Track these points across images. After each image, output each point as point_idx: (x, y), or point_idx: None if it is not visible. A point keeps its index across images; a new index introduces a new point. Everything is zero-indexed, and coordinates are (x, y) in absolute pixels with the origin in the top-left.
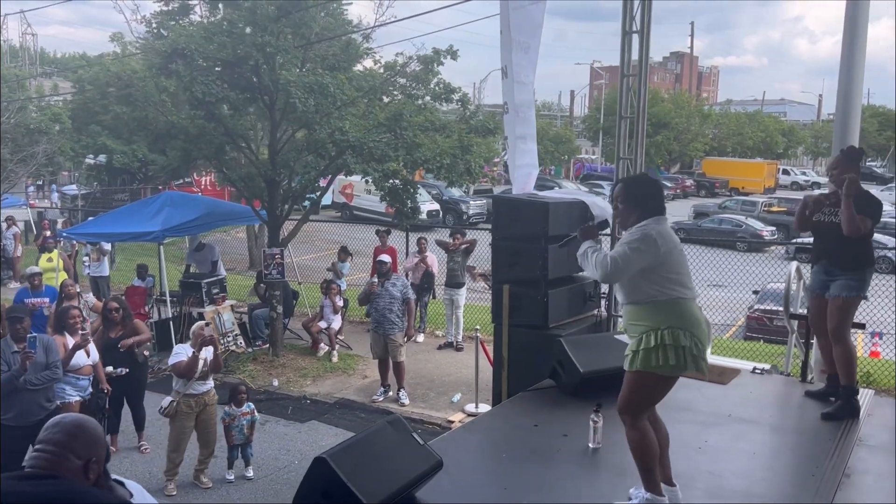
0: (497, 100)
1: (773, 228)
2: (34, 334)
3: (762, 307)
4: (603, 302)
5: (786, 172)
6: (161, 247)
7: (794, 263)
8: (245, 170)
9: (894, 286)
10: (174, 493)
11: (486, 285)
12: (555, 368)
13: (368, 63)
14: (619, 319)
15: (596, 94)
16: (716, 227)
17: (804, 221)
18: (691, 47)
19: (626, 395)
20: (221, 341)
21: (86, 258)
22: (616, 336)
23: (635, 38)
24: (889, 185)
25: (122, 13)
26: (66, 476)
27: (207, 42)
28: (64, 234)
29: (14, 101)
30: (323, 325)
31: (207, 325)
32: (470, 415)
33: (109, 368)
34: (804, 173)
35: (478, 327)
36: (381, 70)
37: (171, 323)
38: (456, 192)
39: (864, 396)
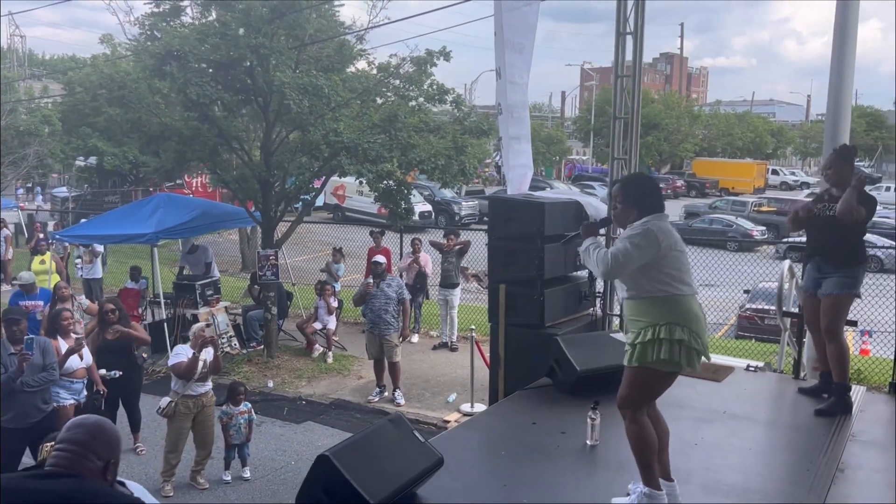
0: (488, 101)
1: (764, 228)
2: (31, 336)
3: (753, 306)
4: (598, 301)
5: (775, 172)
6: (154, 249)
7: (787, 262)
8: (239, 171)
9: (889, 285)
10: (171, 494)
11: (478, 286)
12: (552, 367)
13: (362, 64)
14: (615, 318)
15: (586, 95)
16: (706, 227)
17: (797, 222)
18: (681, 48)
19: (626, 389)
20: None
21: (78, 260)
22: (612, 335)
23: (629, 39)
24: (877, 184)
25: (116, 15)
26: (86, 476)
27: (201, 44)
28: (56, 237)
29: (4, 103)
30: (317, 326)
31: (208, 325)
32: (465, 414)
33: (103, 371)
34: (793, 173)
35: (473, 327)
36: (375, 71)
37: (164, 325)
38: (448, 193)
39: (857, 393)
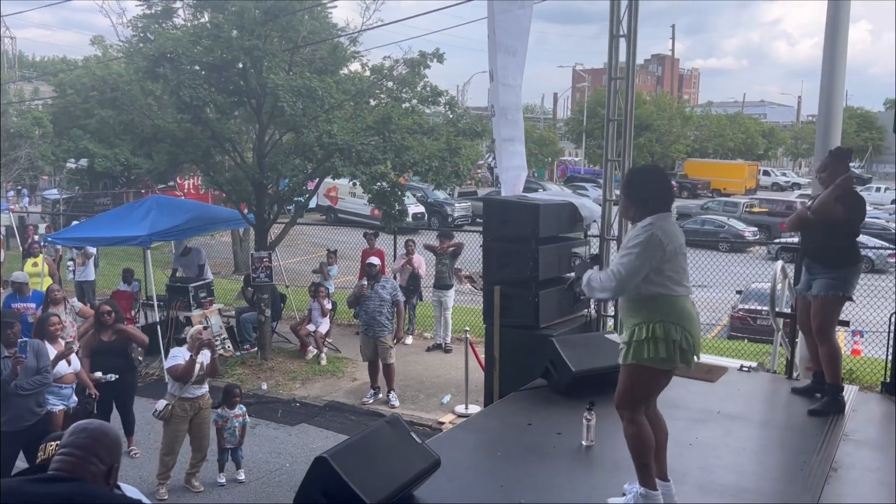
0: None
1: (755, 229)
2: (24, 339)
3: (746, 307)
4: (592, 302)
5: (766, 173)
6: (147, 251)
7: (780, 263)
8: (232, 173)
9: (880, 285)
10: (166, 496)
11: (472, 287)
12: (547, 368)
13: (356, 66)
14: (609, 319)
15: (578, 96)
16: (698, 228)
17: (797, 223)
18: (672, 50)
19: (622, 388)
20: None
21: (70, 263)
22: (606, 335)
23: (622, 42)
24: (867, 185)
25: (108, 17)
26: (89, 480)
27: (194, 45)
28: (49, 239)
29: None
30: (311, 328)
31: (206, 328)
32: (460, 416)
33: (99, 374)
34: (784, 174)
35: (467, 329)
36: (368, 73)
37: (157, 327)
38: (441, 195)
39: (849, 393)
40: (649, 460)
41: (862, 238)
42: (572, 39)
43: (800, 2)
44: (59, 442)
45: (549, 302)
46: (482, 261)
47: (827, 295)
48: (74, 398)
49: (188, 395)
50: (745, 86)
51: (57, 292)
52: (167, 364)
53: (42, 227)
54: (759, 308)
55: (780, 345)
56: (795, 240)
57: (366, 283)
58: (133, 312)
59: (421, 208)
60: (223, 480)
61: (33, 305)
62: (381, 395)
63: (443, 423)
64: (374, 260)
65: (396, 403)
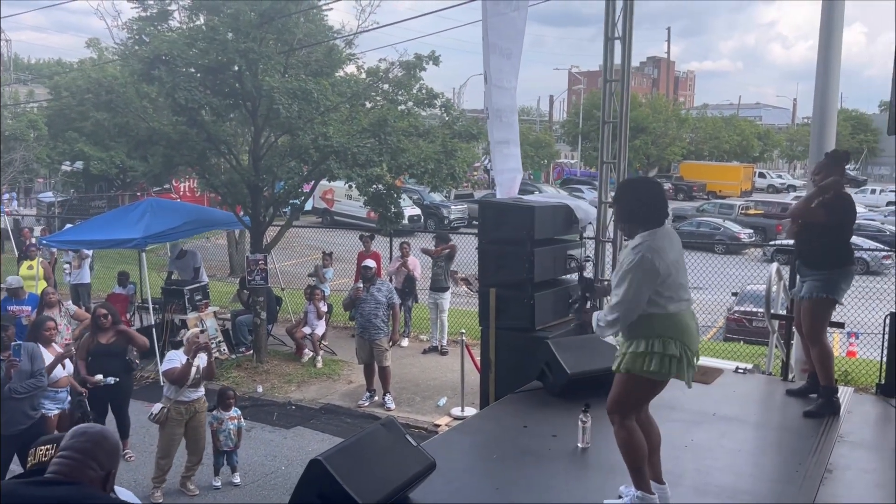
0: (476, 105)
1: (751, 231)
2: (18, 342)
3: (741, 309)
4: (588, 304)
5: (762, 175)
6: (142, 254)
7: (775, 265)
8: (227, 176)
9: (875, 287)
10: (161, 500)
11: (468, 289)
12: (542, 370)
13: (351, 69)
14: None
15: (574, 98)
16: (694, 230)
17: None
18: (668, 52)
19: (615, 395)
20: None
21: (66, 266)
22: (602, 338)
23: (617, 44)
24: (862, 187)
25: (103, 19)
26: (87, 484)
27: (189, 48)
28: (44, 242)
29: None
30: (307, 330)
31: (203, 331)
32: (456, 418)
33: (100, 377)
34: (780, 176)
35: (463, 331)
36: (364, 76)
37: (153, 330)
38: (437, 197)
39: (844, 394)
40: (642, 464)
41: (856, 240)
42: (568, 42)
43: (795, 3)
44: (48, 446)
45: (544, 304)
46: (478, 263)
47: (813, 297)
48: (68, 399)
49: (184, 398)
50: (740, 88)
51: (52, 295)
52: (163, 367)
53: (37, 230)
54: (754, 310)
55: (776, 347)
56: (790, 242)
57: (361, 285)
58: (128, 315)
59: (417, 210)
60: (218, 484)
61: (28, 308)
62: (376, 398)
63: (438, 426)
64: (370, 262)
65: (392, 406)
